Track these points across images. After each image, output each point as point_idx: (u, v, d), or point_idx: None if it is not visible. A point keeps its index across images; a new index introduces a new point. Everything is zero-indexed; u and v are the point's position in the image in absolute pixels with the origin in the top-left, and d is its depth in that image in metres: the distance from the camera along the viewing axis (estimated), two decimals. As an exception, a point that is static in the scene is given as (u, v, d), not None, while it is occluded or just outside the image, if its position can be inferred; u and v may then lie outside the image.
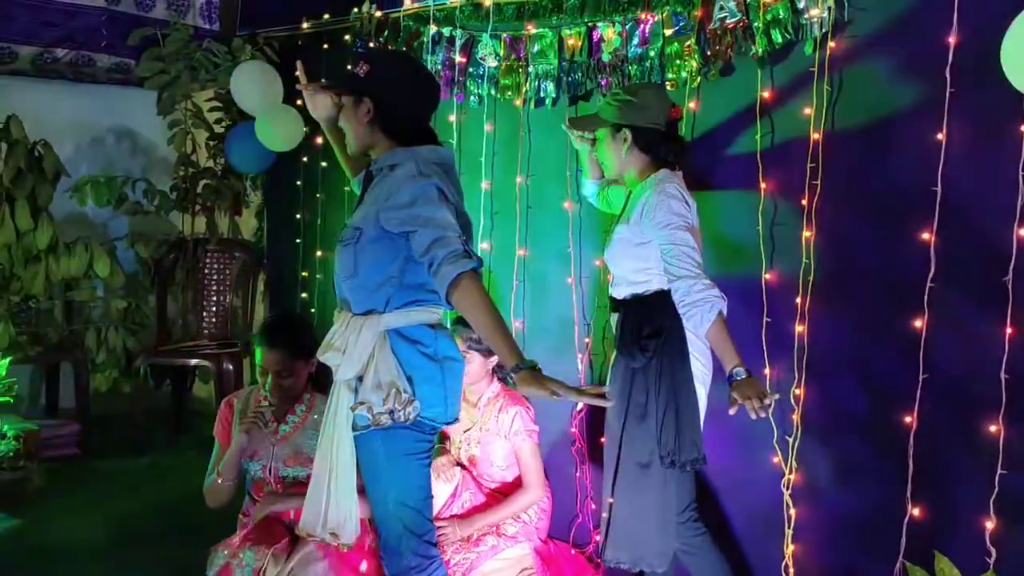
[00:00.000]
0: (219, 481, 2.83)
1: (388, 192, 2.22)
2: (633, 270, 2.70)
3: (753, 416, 2.40)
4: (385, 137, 2.32)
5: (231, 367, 4.64)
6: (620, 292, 2.77)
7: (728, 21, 2.89)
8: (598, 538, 3.03)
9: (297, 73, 2.66)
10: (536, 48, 3.39)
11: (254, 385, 3.04)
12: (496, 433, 3.23)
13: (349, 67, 3.95)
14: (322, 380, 2.84)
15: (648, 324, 2.65)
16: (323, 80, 2.68)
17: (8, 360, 3.97)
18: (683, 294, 2.50)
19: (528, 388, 2.06)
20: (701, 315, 2.46)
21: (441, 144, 2.36)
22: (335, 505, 2.33)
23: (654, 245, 2.60)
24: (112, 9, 4.61)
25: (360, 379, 2.27)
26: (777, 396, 2.47)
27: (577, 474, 3.45)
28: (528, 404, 3.26)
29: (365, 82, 2.31)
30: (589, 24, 3.24)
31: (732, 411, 2.47)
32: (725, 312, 2.48)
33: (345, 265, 2.31)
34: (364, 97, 2.31)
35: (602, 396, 2.09)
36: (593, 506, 3.38)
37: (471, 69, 3.58)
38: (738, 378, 2.45)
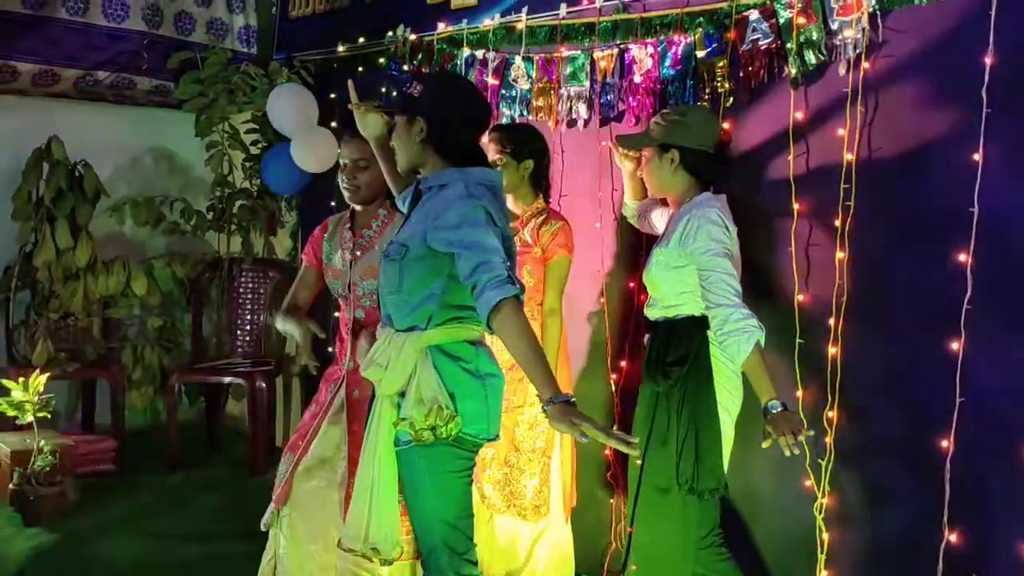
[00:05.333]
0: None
1: (436, 211, 2.24)
2: (669, 293, 2.70)
3: (787, 453, 2.39)
4: (436, 156, 2.35)
5: (264, 385, 4.67)
6: (653, 313, 2.77)
7: (761, 43, 2.89)
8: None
9: (349, 92, 2.69)
10: (568, 70, 3.41)
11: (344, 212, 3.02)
12: (531, 244, 3.06)
13: (384, 89, 4.07)
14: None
15: (674, 350, 2.65)
16: (376, 101, 2.71)
17: (46, 376, 4.03)
18: (720, 322, 2.49)
19: (559, 424, 2.05)
20: (738, 345, 2.45)
21: (490, 166, 2.38)
22: (376, 521, 2.33)
23: (692, 269, 2.59)
24: (153, 33, 4.71)
25: (402, 395, 2.29)
26: (812, 432, 2.46)
27: (612, 500, 3.43)
28: (568, 224, 3.10)
29: (418, 102, 2.34)
30: (621, 46, 3.26)
31: (765, 444, 2.45)
32: (763, 343, 2.47)
33: (390, 280, 2.33)
34: (417, 117, 2.33)
35: (630, 444, 2.03)
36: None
37: (504, 91, 3.61)
38: (773, 411, 2.44)
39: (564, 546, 3.20)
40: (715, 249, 2.53)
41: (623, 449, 2.05)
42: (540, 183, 3.15)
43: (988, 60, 2.43)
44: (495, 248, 2.16)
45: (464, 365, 2.29)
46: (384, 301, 2.39)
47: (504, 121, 3.61)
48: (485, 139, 3.01)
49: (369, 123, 2.62)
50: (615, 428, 3.33)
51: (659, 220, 2.98)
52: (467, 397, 2.27)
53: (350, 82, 2.72)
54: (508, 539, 3.17)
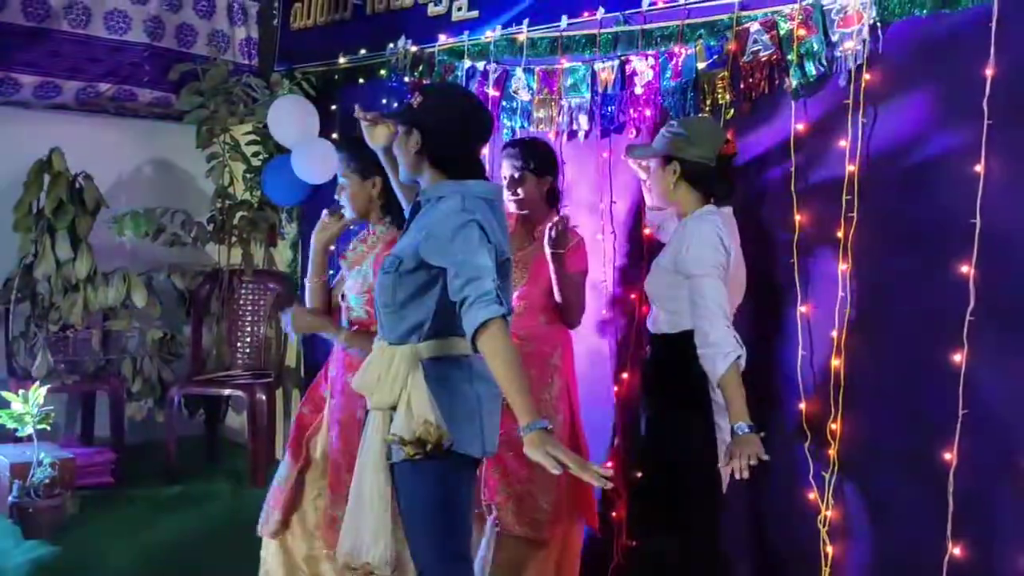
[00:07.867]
0: (307, 283, 3.04)
1: (430, 224, 2.23)
2: (665, 307, 2.70)
3: (736, 475, 2.40)
4: (432, 168, 2.33)
5: (264, 397, 4.66)
6: (653, 326, 2.77)
7: (762, 54, 2.89)
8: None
9: (356, 107, 2.68)
10: (569, 81, 3.41)
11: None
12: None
13: (385, 100, 4.07)
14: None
15: (669, 364, 2.65)
16: (381, 111, 2.70)
17: (46, 388, 4.01)
18: (701, 340, 2.49)
19: (534, 452, 2.00)
20: (714, 364, 2.45)
21: (488, 178, 2.37)
22: (371, 534, 2.31)
23: (686, 284, 2.59)
24: (154, 45, 4.72)
25: (394, 409, 2.27)
26: (767, 457, 2.43)
27: (613, 513, 3.40)
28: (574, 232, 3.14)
29: (416, 113, 2.33)
30: (622, 58, 3.26)
31: (721, 465, 2.46)
32: (743, 364, 2.46)
33: (384, 292, 2.32)
34: (414, 128, 2.32)
35: (605, 479, 1.97)
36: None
37: (504, 102, 3.61)
38: (739, 433, 2.43)
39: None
40: (705, 265, 2.53)
41: (596, 483, 1.99)
42: (553, 198, 3.17)
43: (989, 71, 2.43)
44: (486, 266, 2.13)
45: (457, 379, 2.28)
46: (379, 313, 2.38)
47: (506, 133, 3.61)
48: (490, 153, 3.01)
49: (376, 134, 2.60)
50: (616, 441, 3.34)
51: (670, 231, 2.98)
52: (459, 412, 2.25)
53: (357, 106, 2.70)
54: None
